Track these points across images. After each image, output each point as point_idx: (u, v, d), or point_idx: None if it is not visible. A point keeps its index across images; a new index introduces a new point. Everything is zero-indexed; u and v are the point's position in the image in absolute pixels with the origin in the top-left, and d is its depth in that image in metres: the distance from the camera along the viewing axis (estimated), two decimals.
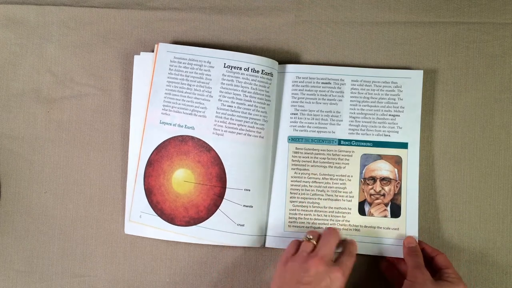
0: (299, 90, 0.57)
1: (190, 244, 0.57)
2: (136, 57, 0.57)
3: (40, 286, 0.58)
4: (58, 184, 0.58)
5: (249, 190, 0.55)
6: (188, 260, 0.57)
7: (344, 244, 0.52)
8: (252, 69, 0.55)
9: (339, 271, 0.47)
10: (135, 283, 0.57)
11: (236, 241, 0.55)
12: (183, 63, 0.56)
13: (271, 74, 0.56)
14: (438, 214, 0.56)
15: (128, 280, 0.57)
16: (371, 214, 0.55)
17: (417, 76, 0.56)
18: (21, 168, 0.59)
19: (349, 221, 0.55)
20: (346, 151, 0.56)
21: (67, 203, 0.58)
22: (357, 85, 0.57)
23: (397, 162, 0.56)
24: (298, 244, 0.51)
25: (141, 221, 0.56)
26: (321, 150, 0.57)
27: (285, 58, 0.58)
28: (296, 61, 0.58)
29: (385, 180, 0.55)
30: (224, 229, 0.55)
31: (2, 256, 0.58)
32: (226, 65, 0.56)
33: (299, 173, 0.56)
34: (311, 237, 0.50)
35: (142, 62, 0.57)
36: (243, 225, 0.55)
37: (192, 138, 0.56)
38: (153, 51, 0.57)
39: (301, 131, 0.57)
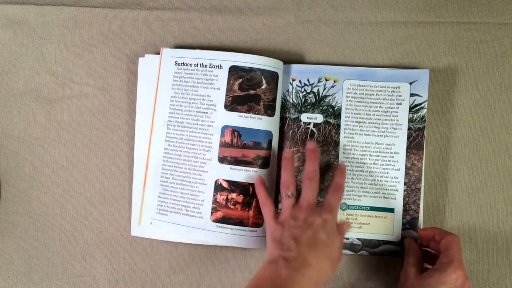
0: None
1: (190, 244, 0.57)
2: (140, 59, 0.57)
3: (40, 286, 0.58)
4: (58, 184, 0.58)
5: None
6: (188, 260, 0.57)
7: (331, 178, 0.52)
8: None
9: (328, 211, 0.48)
10: (135, 283, 0.57)
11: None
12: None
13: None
14: (438, 214, 0.56)
15: (128, 280, 0.57)
16: None
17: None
18: (21, 168, 0.59)
19: None
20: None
21: (67, 203, 0.58)
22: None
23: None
24: (272, 203, 0.52)
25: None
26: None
27: (285, 58, 0.58)
28: (296, 61, 0.58)
29: None
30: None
31: (2, 256, 0.58)
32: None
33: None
34: (290, 193, 0.51)
35: (147, 65, 0.57)
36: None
37: None
38: (155, 53, 0.57)
39: None
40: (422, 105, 0.56)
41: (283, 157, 0.53)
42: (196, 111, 0.55)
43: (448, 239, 0.49)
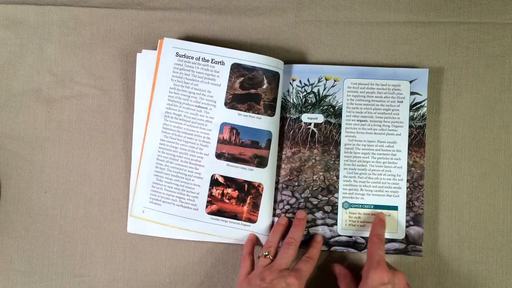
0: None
1: (190, 244, 0.57)
2: (138, 54, 0.57)
3: (40, 286, 0.58)
4: (58, 184, 0.58)
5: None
6: (188, 260, 0.57)
7: (307, 249, 0.54)
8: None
9: (294, 276, 0.49)
10: (135, 283, 0.57)
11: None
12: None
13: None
14: (438, 214, 0.56)
15: (128, 280, 0.57)
16: None
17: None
18: (21, 168, 0.59)
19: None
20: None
21: (67, 203, 0.58)
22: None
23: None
24: (251, 261, 0.53)
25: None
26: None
27: (285, 58, 0.58)
28: (297, 61, 0.58)
29: None
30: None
31: (2, 256, 0.58)
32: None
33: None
34: (266, 253, 0.52)
35: (144, 60, 0.57)
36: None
37: None
38: (154, 50, 0.57)
39: None
40: (422, 104, 0.56)
41: (277, 221, 0.55)
42: (195, 105, 0.55)
43: (365, 268, 0.50)
